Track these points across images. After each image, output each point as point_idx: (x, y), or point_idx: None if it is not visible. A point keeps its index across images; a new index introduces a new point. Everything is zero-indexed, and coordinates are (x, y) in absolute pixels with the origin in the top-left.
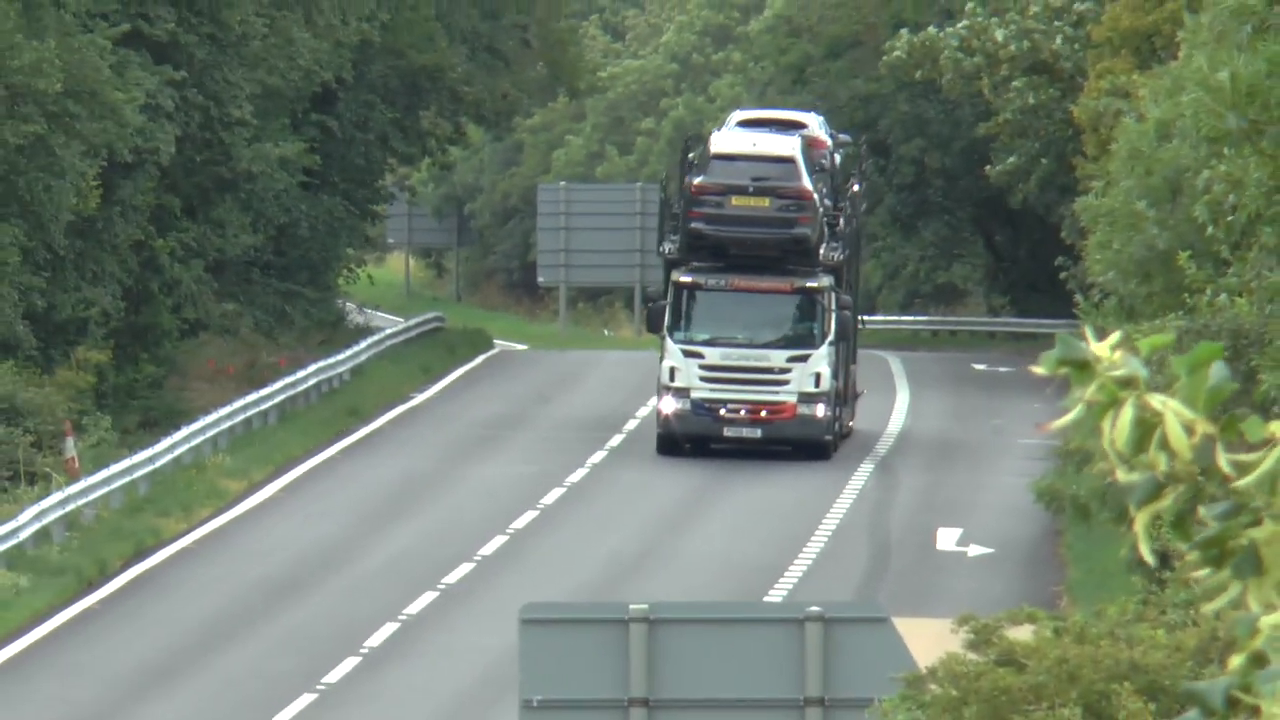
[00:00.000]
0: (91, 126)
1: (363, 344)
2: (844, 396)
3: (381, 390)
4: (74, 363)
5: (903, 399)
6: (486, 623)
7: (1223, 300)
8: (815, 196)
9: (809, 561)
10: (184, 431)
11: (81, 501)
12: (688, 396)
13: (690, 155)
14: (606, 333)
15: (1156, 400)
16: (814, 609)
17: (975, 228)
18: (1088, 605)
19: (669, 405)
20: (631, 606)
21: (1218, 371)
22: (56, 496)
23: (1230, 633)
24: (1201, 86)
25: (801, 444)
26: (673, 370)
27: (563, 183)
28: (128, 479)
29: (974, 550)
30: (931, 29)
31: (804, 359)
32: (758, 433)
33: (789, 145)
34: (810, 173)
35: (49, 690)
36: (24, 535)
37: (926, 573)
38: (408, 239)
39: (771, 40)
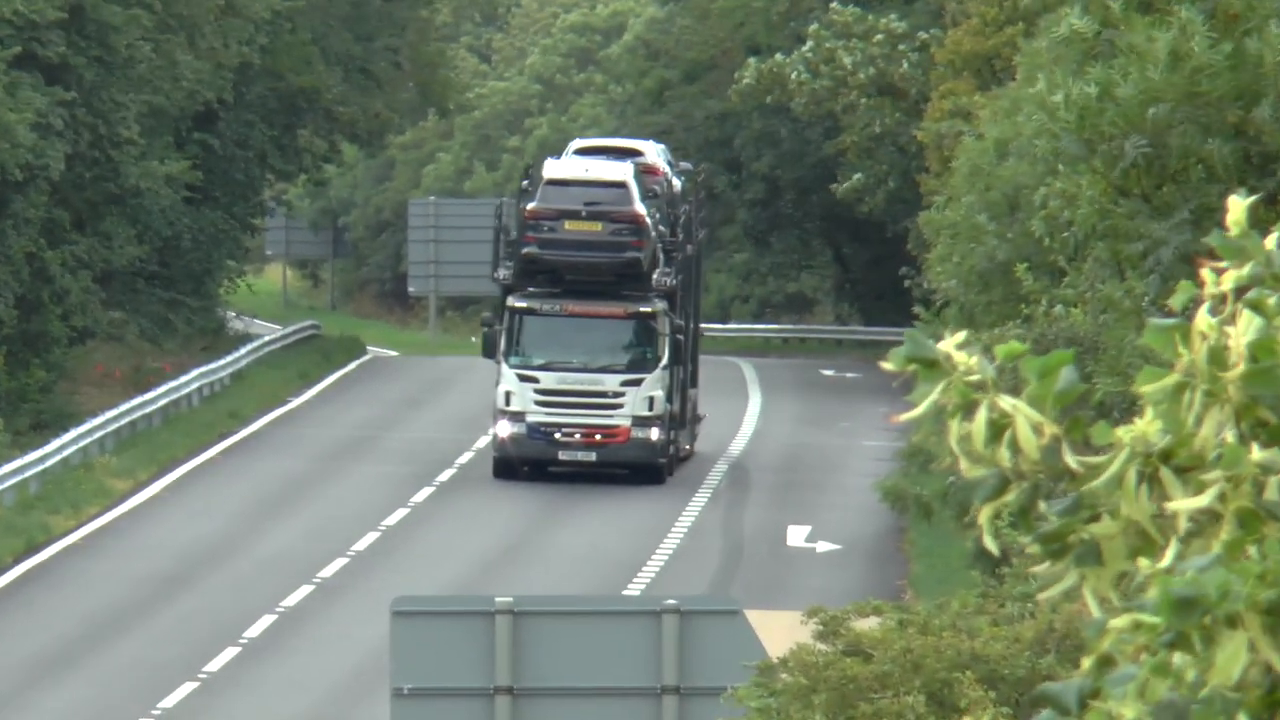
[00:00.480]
0: None
1: (243, 350)
2: (681, 420)
3: (261, 394)
4: None
5: (755, 403)
6: (360, 614)
7: (1059, 310)
8: (648, 221)
9: (665, 557)
10: (73, 433)
11: None
12: (523, 420)
13: (525, 182)
14: (474, 340)
15: (1007, 403)
16: (670, 602)
17: (824, 240)
18: (930, 598)
19: (505, 429)
20: (498, 599)
21: (1067, 375)
22: None
23: (1067, 625)
24: (1040, 108)
25: (636, 467)
26: (508, 394)
27: (432, 197)
28: (19, 478)
29: (822, 546)
30: (779, 56)
31: (638, 383)
32: (592, 456)
33: (621, 170)
34: (643, 199)
35: None
36: None
37: (777, 568)
38: (285, 251)
39: (631, 62)
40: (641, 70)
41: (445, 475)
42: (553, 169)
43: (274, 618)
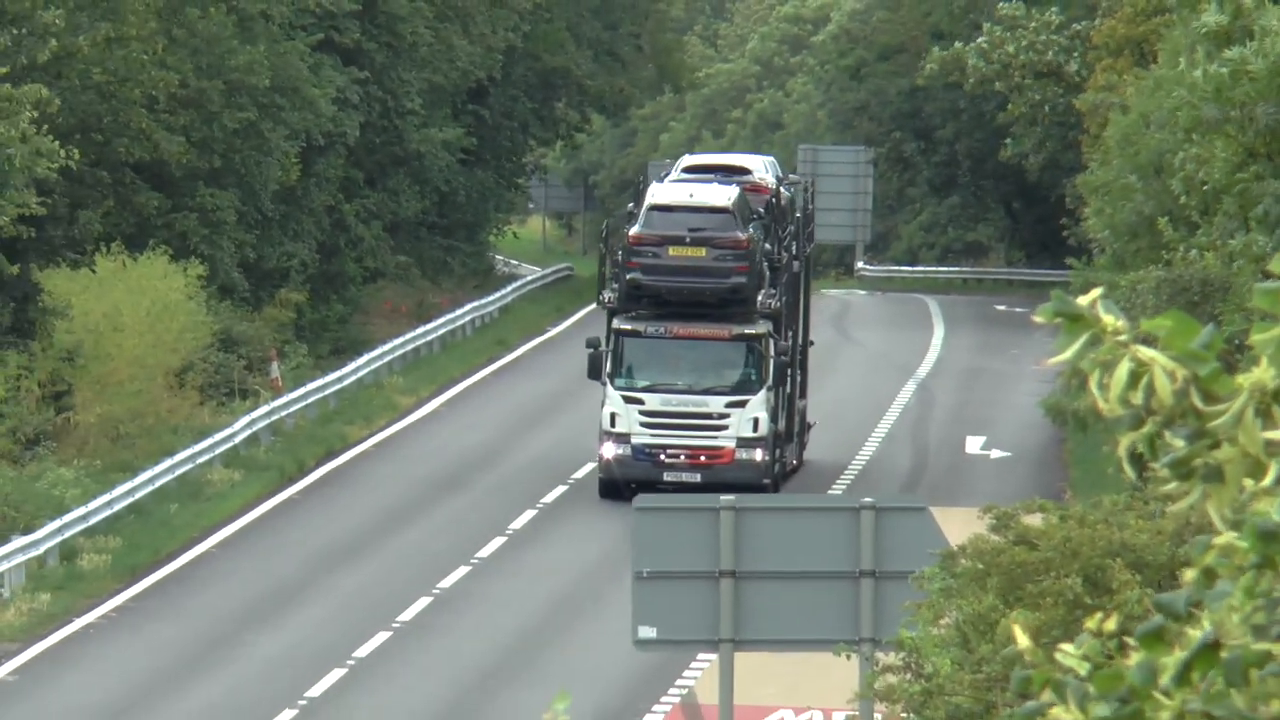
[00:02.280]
0: (294, 115)
1: (509, 288)
2: (788, 435)
3: (524, 325)
4: (278, 302)
5: (939, 333)
6: (606, 510)
7: (1194, 255)
8: (753, 246)
9: (863, 463)
10: (366, 357)
11: (284, 413)
12: (628, 442)
13: (631, 205)
14: None
15: (1146, 354)
16: (867, 500)
17: (996, 197)
18: (1086, 497)
19: (610, 450)
20: (721, 498)
21: (1207, 332)
22: (264, 409)
23: (1201, 520)
24: (1180, 84)
25: (740, 488)
26: (613, 416)
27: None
28: (320, 395)
29: (995, 454)
30: (958, 44)
31: (742, 404)
32: (697, 477)
33: (725, 195)
34: (748, 221)
35: (258, 564)
36: (238, 439)
37: (957, 471)
38: (544, 205)
39: (834, 47)
40: (842, 53)
41: None
42: (658, 194)
43: (534, 512)
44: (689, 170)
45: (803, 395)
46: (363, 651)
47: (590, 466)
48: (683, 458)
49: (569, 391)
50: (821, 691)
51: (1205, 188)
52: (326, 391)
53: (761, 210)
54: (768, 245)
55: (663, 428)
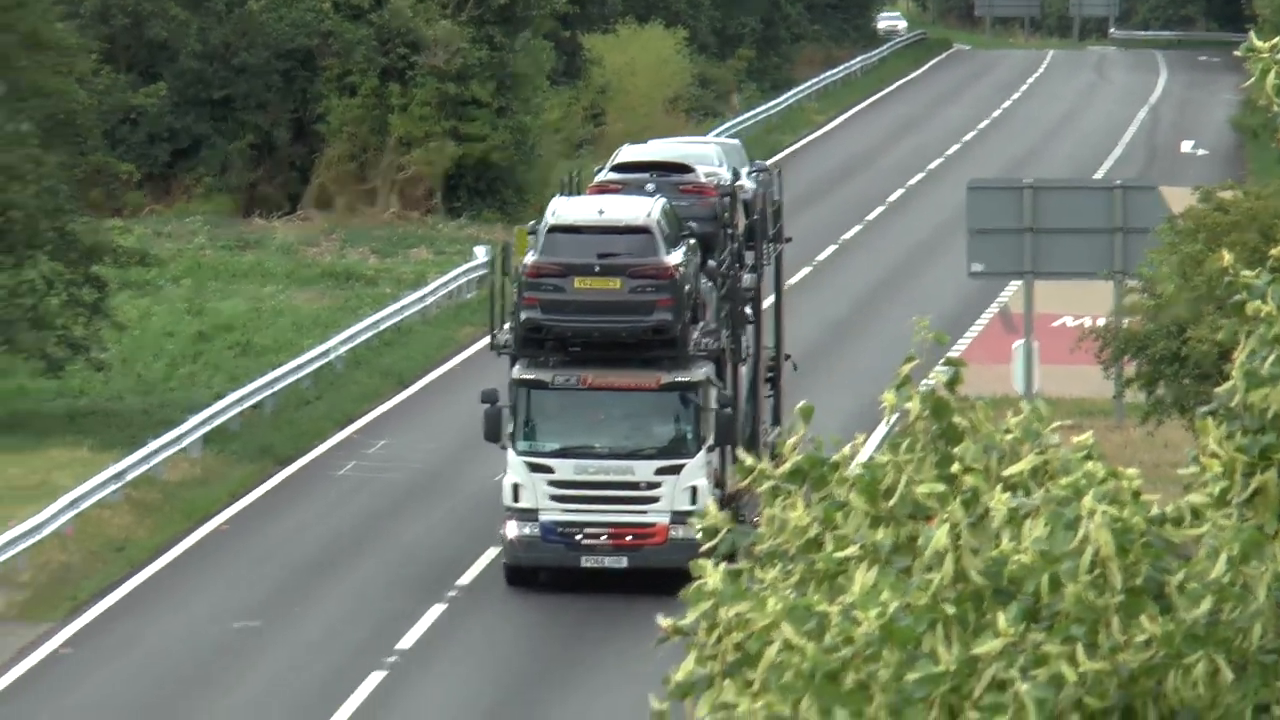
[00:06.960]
0: None
1: (883, 48)
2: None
3: (893, 72)
4: (736, 56)
5: (1163, 76)
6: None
7: None
8: (680, 272)
9: (1113, 160)
10: (793, 90)
11: (741, 126)
12: (535, 520)
13: (533, 224)
14: (1010, 41)
15: None
16: (1117, 181)
17: None
18: (1262, 181)
19: (513, 529)
20: (1024, 180)
21: None
22: (729, 122)
23: None
24: None
25: (677, 573)
26: (516, 488)
27: None
28: (766, 114)
29: (1201, 151)
30: None
31: (675, 470)
32: (623, 561)
33: (643, 211)
34: (674, 242)
35: None
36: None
37: (1176, 164)
38: None
39: None
40: None
41: (995, 115)
42: (560, 211)
43: (879, 207)
44: (619, 169)
45: (776, 422)
46: None
47: (940, 160)
48: (604, 538)
49: (921, 114)
50: (1090, 304)
51: None
52: (770, 112)
53: (694, 225)
54: (712, 262)
55: (578, 501)
